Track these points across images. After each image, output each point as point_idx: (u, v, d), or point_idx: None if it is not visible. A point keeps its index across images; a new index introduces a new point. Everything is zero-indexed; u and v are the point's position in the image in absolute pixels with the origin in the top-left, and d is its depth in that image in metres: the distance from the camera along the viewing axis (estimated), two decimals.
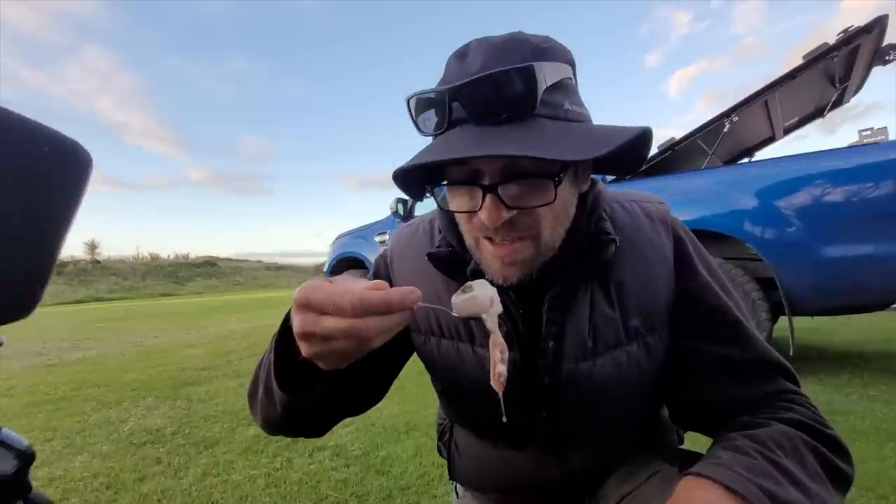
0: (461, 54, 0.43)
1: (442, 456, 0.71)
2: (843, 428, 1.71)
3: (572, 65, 0.44)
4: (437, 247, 0.55)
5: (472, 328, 0.53)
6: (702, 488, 0.36)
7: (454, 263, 0.52)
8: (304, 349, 0.36)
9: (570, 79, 0.43)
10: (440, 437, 0.72)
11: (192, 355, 4.00)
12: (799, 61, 2.54)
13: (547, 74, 0.40)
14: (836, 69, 2.65)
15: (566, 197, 0.45)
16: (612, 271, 0.50)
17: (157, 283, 19.89)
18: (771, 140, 3.67)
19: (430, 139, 0.44)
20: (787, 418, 0.44)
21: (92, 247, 23.23)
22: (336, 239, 4.92)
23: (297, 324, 0.35)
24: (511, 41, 0.41)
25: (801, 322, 3.54)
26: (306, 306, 0.34)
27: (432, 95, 0.42)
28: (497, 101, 0.39)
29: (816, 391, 2.20)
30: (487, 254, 0.47)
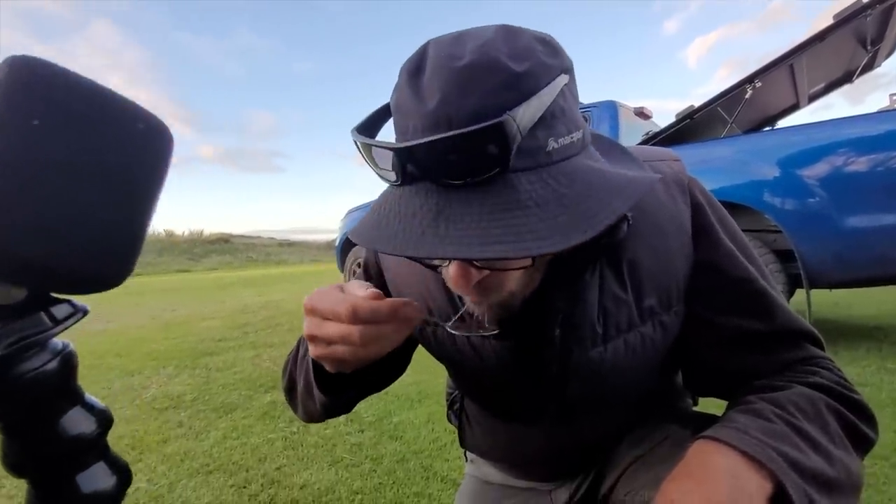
0: (416, 69, 0.34)
1: (452, 423, 0.72)
2: None
3: (566, 71, 0.34)
4: None
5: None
6: (717, 453, 0.34)
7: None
8: (311, 351, 0.39)
9: (563, 91, 0.34)
10: (450, 406, 0.72)
11: (209, 327, 4.09)
12: (829, 23, 2.42)
13: (525, 118, 0.30)
14: (868, 30, 2.51)
15: None
16: (624, 247, 0.44)
17: (172, 259, 20.27)
18: (795, 108, 3.53)
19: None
20: (811, 382, 0.41)
21: None
22: (347, 214, 4.93)
23: (304, 327, 0.38)
24: (480, 65, 0.31)
25: (819, 295, 3.48)
26: (312, 311, 0.37)
27: (381, 149, 0.34)
28: (455, 166, 0.31)
29: None
30: (465, 298, 0.43)
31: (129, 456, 1.54)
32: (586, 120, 3.34)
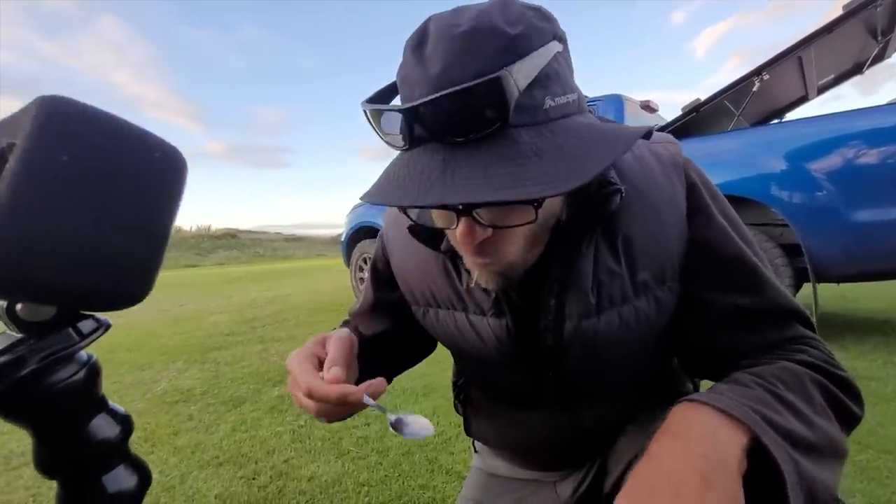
0: (418, 43, 0.36)
1: (458, 413, 0.73)
2: (865, 392, 1.69)
3: (558, 38, 0.37)
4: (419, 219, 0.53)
5: (464, 298, 0.53)
6: (694, 410, 0.34)
7: (432, 237, 0.51)
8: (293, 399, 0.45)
9: (556, 57, 0.36)
10: (456, 396, 0.73)
11: (217, 322, 4.14)
12: (839, 13, 2.38)
13: (521, 75, 0.33)
14: (878, 21, 2.48)
15: (552, 199, 0.41)
16: (619, 223, 0.46)
17: (180, 254, 20.44)
18: (804, 100, 3.49)
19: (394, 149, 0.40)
20: (797, 359, 0.42)
21: None
22: (353, 208, 4.95)
23: (288, 381, 0.46)
24: (477, 31, 0.33)
25: (826, 289, 3.46)
26: (289, 372, 0.45)
27: (390, 112, 0.37)
28: (459, 123, 0.33)
29: (840, 358, 2.15)
30: (468, 261, 0.45)
31: (142, 448, 1.58)
32: (591, 113, 3.36)
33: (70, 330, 0.28)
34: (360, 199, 0.39)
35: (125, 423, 0.32)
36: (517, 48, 0.33)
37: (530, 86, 0.34)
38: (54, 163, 0.23)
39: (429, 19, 0.37)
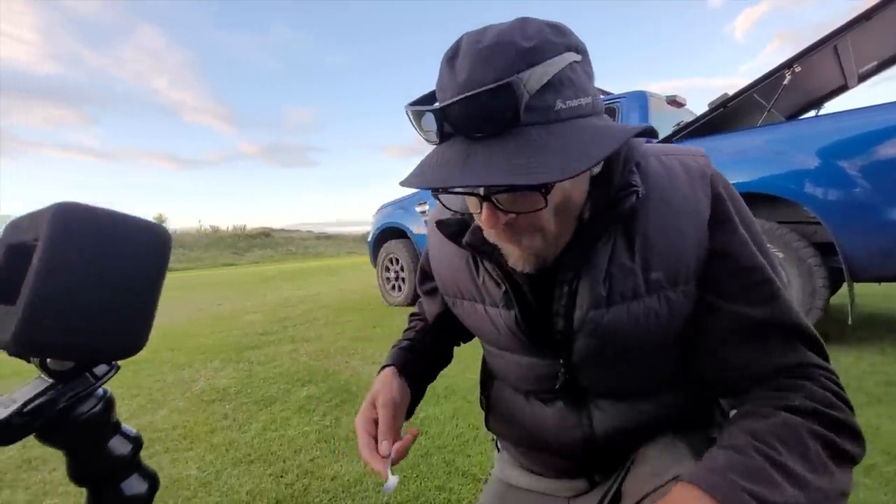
0: (452, 55, 0.43)
1: (482, 408, 0.76)
2: None
3: (574, 48, 0.42)
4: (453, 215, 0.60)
5: (481, 291, 0.59)
6: (687, 491, 0.38)
7: (456, 232, 0.57)
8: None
9: (572, 64, 0.42)
10: (482, 391, 0.77)
11: (252, 321, 4.33)
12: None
13: (531, 81, 0.39)
14: None
15: (566, 190, 0.46)
16: (638, 224, 0.50)
17: (219, 253, 21.26)
18: (844, 89, 3.32)
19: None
20: (796, 406, 0.44)
21: (160, 220, 25.10)
22: (379, 209, 5.04)
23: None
24: (497, 45, 0.40)
25: (868, 288, 3.29)
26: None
27: (423, 112, 0.44)
28: (479, 120, 0.40)
29: (875, 362, 2.08)
30: (504, 248, 0.51)
31: (182, 445, 1.70)
32: (615, 112, 3.25)
33: (87, 375, 0.36)
34: (399, 184, 0.46)
35: (136, 441, 0.40)
36: (530, 58, 0.39)
37: (541, 90, 0.39)
38: (67, 258, 0.31)
39: (462, 37, 0.44)
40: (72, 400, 0.34)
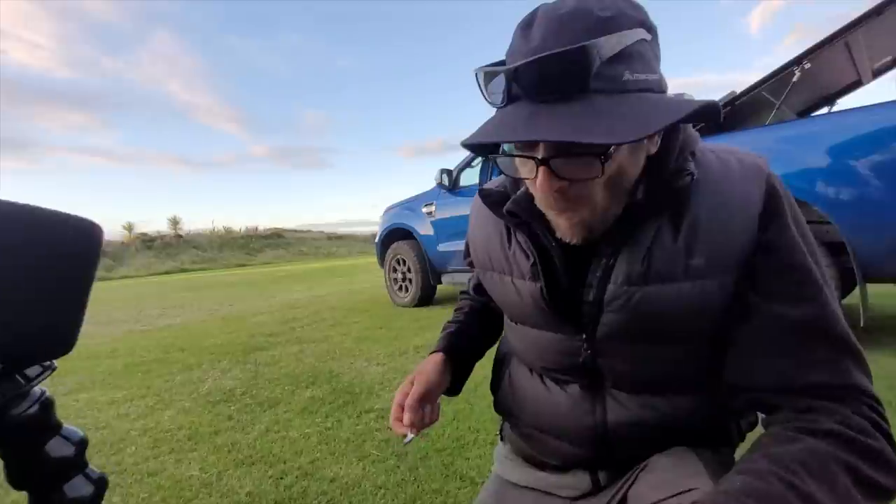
0: (527, 24, 0.44)
1: (492, 391, 0.76)
2: None
3: (647, 27, 0.43)
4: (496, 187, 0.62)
5: (511, 262, 0.60)
6: None
7: (497, 202, 0.58)
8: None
9: (643, 41, 0.42)
10: (495, 371, 0.76)
11: (260, 322, 4.39)
12: None
13: (605, 49, 0.39)
14: None
15: (623, 164, 0.46)
16: (687, 211, 0.49)
17: (231, 254, 21.56)
18: (857, 84, 3.24)
19: (496, 108, 0.47)
20: (827, 431, 0.41)
21: (174, 222, 25.50)
22: (386, 211, 5.07)
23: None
24: (575, 12, 0.41)
25: (880, 290, 3.20)
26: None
27: (494, 73, 0.45)
28: (548, 83, 0.41)
29: (890, 365, 2.03)
30: (554, 219, 0.51)
31: (186, 445, 1.73)
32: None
33: (18, 377, 0.35)
34: (461, 143, 0.47)
35: (80, 443, 0.39)
36: (605, 27, 0.40)
37: (612, 59, 0.40)
38: None
39: (538, 7, 0.44)
40: (2, 402, 0.34)
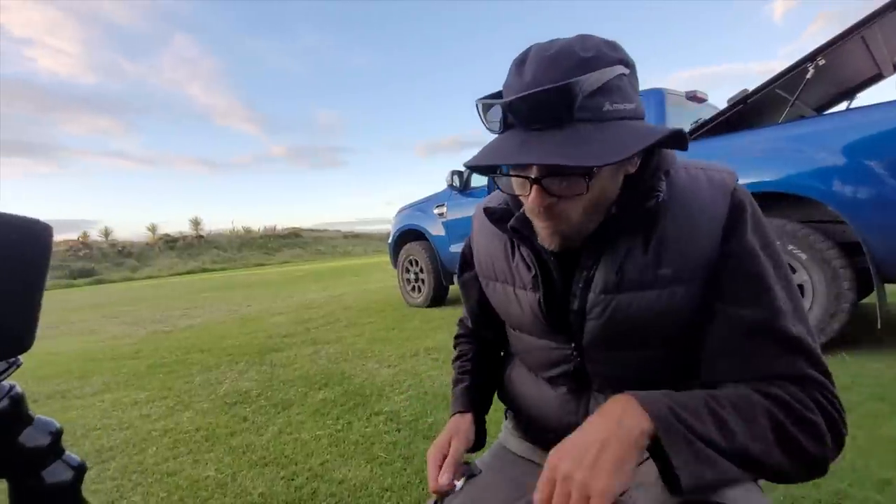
0: (521, 61, 0.50)
1: (498, 383, 0.82)
2: None
3: (625, 63, 0.49)
4: (498, 204, 0.67)
5: (514, 273, 0.65)
6: (624, 398, 0.46)
7: (500, 218, 0.64)
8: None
9: (621, 76, 0.48)
10: (501, 370, 0.82)
11: (277, 323, 4.49)
12: None
13: (586, 84, 0.45)
14: None
15: (604, 183, 0.52)
16: (657, 226, 0.55)
17: (251, 253, 21.97)
18: (878, 78, 3.14)
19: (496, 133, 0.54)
20: (768, 391, 0.47)
21: (196, 223, 26.12)
22: (398, 212, 5.12)
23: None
24: (561, 53, 0.47)
25: None
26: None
27: (491, 105, 0.51)
28: (539, 114, 0.47)
29: None
30: (537, 226, 0.57)
31: (203, 446, 1.80)
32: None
33: None
34: (464, 164, 0.53)
35: (55, 433, 0.41)
36: (586, 66, 0.46)
37: (593, 93, 0.46)
38: None
39: (531, 46, 0.51)
40: None
